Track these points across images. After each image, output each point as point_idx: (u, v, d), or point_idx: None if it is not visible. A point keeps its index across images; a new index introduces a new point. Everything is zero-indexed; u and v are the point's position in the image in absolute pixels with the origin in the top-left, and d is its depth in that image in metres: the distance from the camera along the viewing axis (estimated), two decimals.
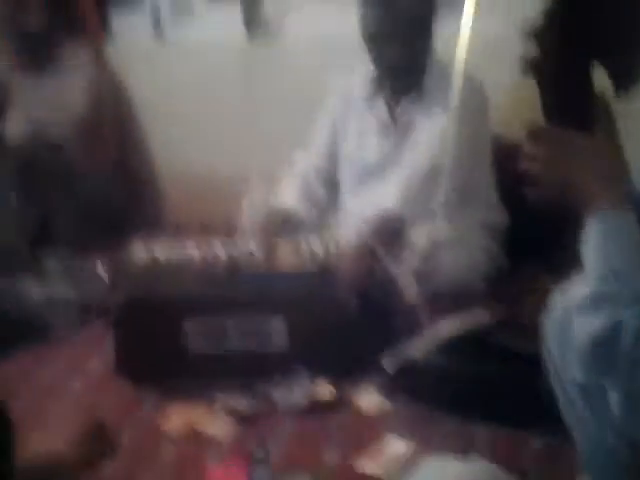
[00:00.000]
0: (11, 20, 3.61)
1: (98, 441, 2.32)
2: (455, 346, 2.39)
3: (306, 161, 3.13)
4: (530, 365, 2.15)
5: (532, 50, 1.50)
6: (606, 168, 1.46)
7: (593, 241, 1.44)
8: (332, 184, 3.11)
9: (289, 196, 3.04)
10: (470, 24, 2.79)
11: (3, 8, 3.61)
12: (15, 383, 2.71)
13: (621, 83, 1.52)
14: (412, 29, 2.81)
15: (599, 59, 1.49)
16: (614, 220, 1.42)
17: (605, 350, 1.36)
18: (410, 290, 2.69)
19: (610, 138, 1.50)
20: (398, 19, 2.78)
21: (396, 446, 2.25)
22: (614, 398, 1.40)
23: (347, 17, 3.01)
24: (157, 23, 4.08)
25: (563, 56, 1.48)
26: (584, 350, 1.40)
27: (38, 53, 3.87)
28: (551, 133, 1.48)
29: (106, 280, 2.72)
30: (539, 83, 1.51)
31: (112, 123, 4.04)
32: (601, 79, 1.51)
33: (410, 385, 2.45)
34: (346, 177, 3.06)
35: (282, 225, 2.89)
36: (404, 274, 2.70)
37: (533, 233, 2.84)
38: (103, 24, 4.16)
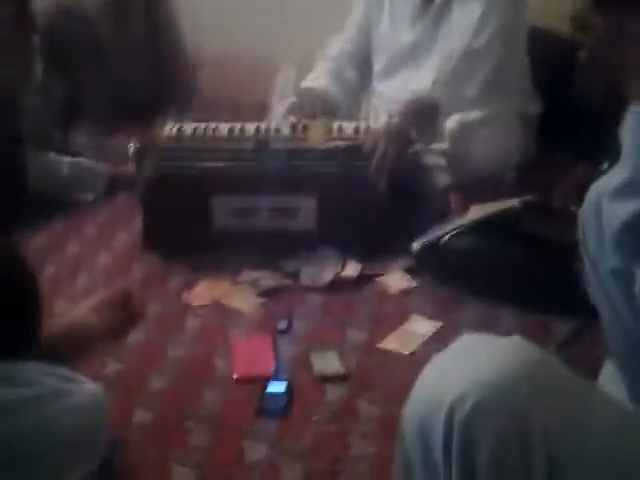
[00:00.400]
0: None
1: (124, 310, 2.35)
2: (484, 230, 2.37)
3: (339, 44, 3.07)
4: (559, 251, 2.16)
5: None
6: None
7: (635, 128, 1.40)
8: (365, 67, 3.05)
9: (321, 77, 2.99)
10: None
11: None
12: (45, 255, 2.73)
13: None
14: None
15: None
16: None
17: (637, 234, 1.34)
18: (441, 174, 2.67)
19: None
20: None
21: (421, 325, 2.26)
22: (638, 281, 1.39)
23: None
24: None
25: None
26: (617, 234, 1.38)
27: None
28: (613, 15, 1.43)
29: (135, 155, 2.69)
30: None
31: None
32: None
33: (437, 266, 2.45)
34: (379, 60, 3.00)
35: (313, 103, 2.84)
36: (435, 157, 2.68)
37: (567, 121, 2.79)
38: None
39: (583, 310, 1.69)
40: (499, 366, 1.31)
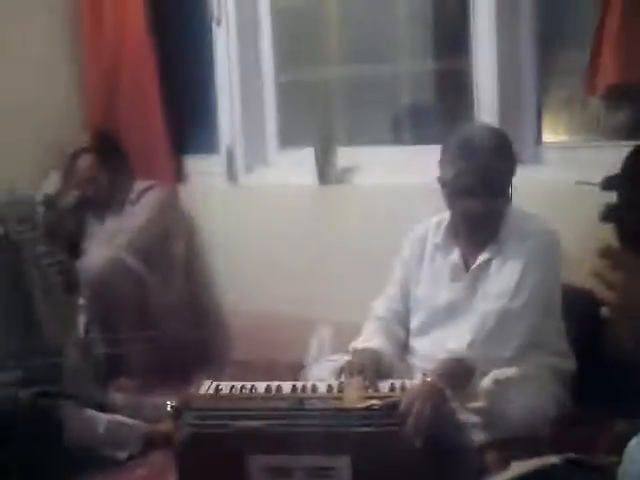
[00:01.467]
0: None
1: None
2: None
3: (385, 303, 3.08)
4: None
5: (612, 198, 1.48)
6: None
7: None
8: (407, 326, 3.06)
9: (374, 337, 2.97)
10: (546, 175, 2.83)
11: None
12: None
13: None
14: (495, 184, 2.82)
15: None
16: None
17: None
18: (476, 431, 2.62)
19: None
20: (485, 176, 2.79)
21: None
22: None
23: (414, 168, 3.05)
24: (231, 167, 4.12)
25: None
26: None
27: (110, 199, 3.99)
28: (628, 259, 1.43)
29: (173, 413, 2.67)
30: (617, 228, 1.48)
31: (182, 256, 4.10)
32: None
33: None
34: (416, 319, 3.01)
35: (372, 365, 2.79)
36: (470, 415, 2.64)
37: (604, 378, 2.76)
38: (177, 166, 4.25)
39: None
40: None
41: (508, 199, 2.88)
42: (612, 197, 1.47)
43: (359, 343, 2.95)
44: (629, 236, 1.46)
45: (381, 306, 3.08)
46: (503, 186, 2.84)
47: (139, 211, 3.99)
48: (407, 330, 3.05)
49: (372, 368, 2.76)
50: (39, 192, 3.89)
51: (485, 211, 2.82)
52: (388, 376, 2.80)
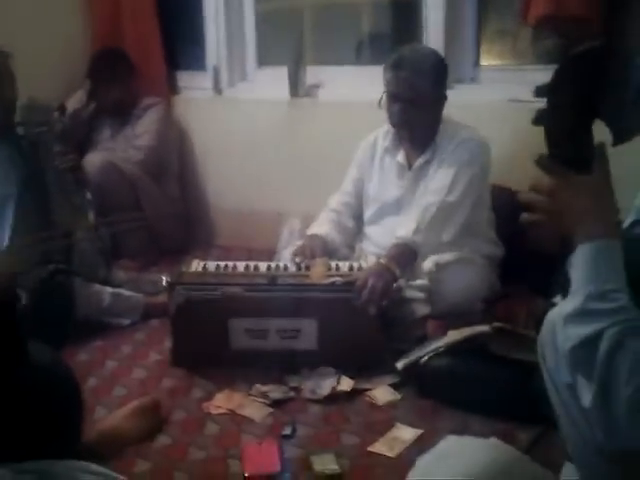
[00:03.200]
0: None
1: (153, 417, 2.28)
2: (459, 351, 2.32)
3: (339, 197, 3.09)
4: (523, 369, 2.11)
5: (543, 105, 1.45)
6: (604, 202, 1.41)
7: (584, 263, 1.37)
8: (360, 217, 3.06)
9: (324, 225, 2.99)
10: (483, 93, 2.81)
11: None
12: (87, 369, 2.68)
13: (618, 137, 1.46)
14: (413, 93, 2.76)
15: (600, 117, 1.44)
16: (605, 245, 1.36)
17: (587, 353, 1.31)
18: (420, 305, 2.64)
19: (605, 180, 1.44)
20: (403, 85, 2.75)
21: (405, 432, 2.19)
22: (587, 395, 1.34)
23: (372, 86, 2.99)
24: (217, 82, 4.05)
25: (569, 111, 1.44)
26: (570, 355, 1.34)
27: (117, 107, 3.90)
28: (556, 169, 1.42)
29: (167, 287, 2.66)
30: (546, 132, 1.46)
31: (175, 161, 4.05)
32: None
33: (418, 382, 2.39)
34: (369, 210, 3.02)
35: (316, 247, 2.83)
36: (416, 291, 2.66)
37: (525, 262, 2.80)
38: (171, 81, 4.17)
39: (544, 419, 1.64)
40: (480, 463, 1.25)
41: (431, 109, 2.83)
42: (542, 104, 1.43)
43: (310, 230, 2.98)
44: (556, 137, 1.44)
45: (335, 200, 3.09)
46: (423, 96, 2.78)
47: (147, 126, 3.91)
48: (356, 221, 3.07)
49: (315, 251, 2.80)
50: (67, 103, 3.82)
51: (404, 117, 2.79)
52: (333, 257, 2.85)
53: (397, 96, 2.78)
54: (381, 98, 2.82)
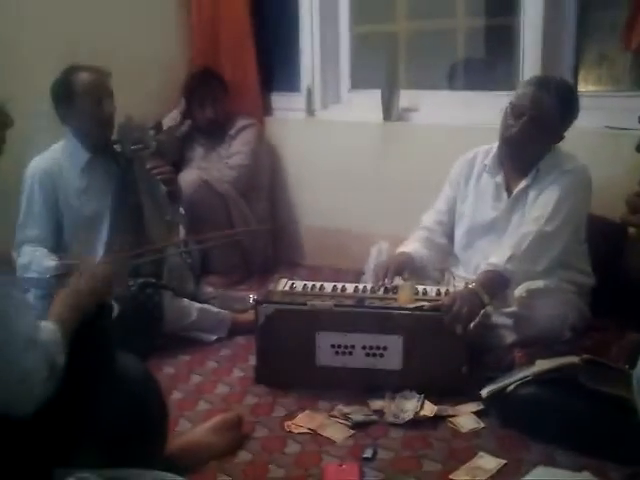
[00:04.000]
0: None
1: (234, 432, 2.29)
2: (546, 381, 2.26)
3: (430, 216, 3.06)
4: (613, 404, 2.04)
5: None
6: None
7: None
8: (451, 235, 3.03)
9: (413, 243, 2.97)
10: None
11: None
12: (173, 382, 2.72)
13: None
14: (535, 118, 2.72)
15: None
16: None
17: None
18: (508, 332, 2.60)
19: None
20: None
21: (488, 462, 2.14)
22: None
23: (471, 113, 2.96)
24: (309, 104, 4.09)
25: None
26: None
27: (211, 127, 3.98)
28: None
29: (254, 305, 2.68)
30: None
31: (266, 181, 4.09)
32: None
33: (503, 411, 2.34)
34: (459, 230, 2.99)
35: (403, 265, 2.81)
36: (504, 318, 2.61)
37: (619, 295, 2.74)
38: (265, 103, 4.23)
39: (636, 459, 1.58)
40: None
41: (549, 135, 2.78)
42: None
43: (400, 248, 2.95)
44: None
45: (428, 217, 3.06)
46: (549, 118, 2.73)
47: (240, 146, 3.97)
48: (449, 239, 3.04)
49: (396, 267, 2.78)
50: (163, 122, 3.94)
51: (521, 132, 2.74)
52: (422, 276, 2.83)
53: (524, 110, 2.73)
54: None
